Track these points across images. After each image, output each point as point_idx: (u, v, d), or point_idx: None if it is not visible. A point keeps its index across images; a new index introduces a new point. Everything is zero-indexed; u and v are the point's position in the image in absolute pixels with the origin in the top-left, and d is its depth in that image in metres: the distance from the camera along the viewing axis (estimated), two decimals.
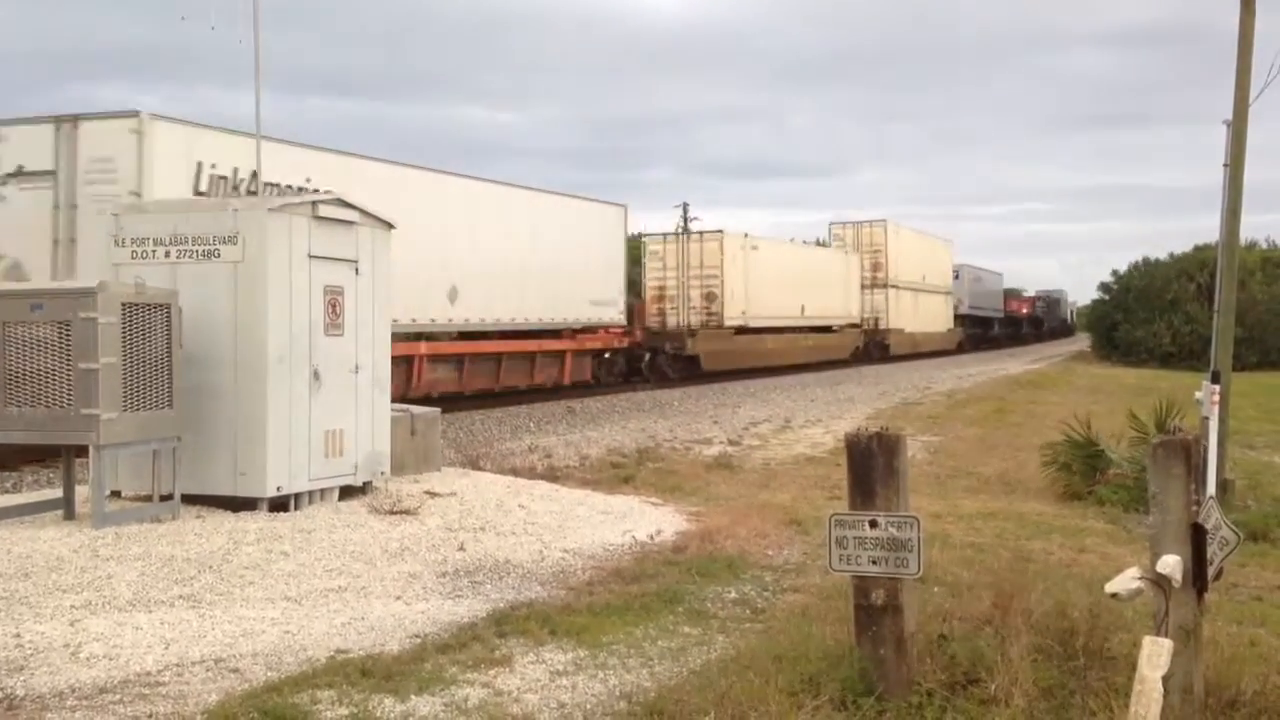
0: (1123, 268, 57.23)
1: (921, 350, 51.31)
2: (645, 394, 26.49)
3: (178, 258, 9.30)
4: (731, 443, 16.95)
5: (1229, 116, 11.57)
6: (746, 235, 35.92)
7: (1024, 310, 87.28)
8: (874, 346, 45.96)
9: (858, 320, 44.96)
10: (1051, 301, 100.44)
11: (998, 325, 74.87)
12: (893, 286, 47.44)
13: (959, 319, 60.81)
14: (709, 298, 33.68)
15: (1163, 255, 56.15)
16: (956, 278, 60.52)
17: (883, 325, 46.49)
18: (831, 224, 48.54)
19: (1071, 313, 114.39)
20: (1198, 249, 53.04)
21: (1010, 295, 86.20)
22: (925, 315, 52.73)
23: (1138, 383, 31.84)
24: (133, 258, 9.39)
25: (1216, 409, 10.90)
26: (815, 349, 40.83)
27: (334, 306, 9.75)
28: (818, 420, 20.96)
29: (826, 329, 42.26)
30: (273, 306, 9.14)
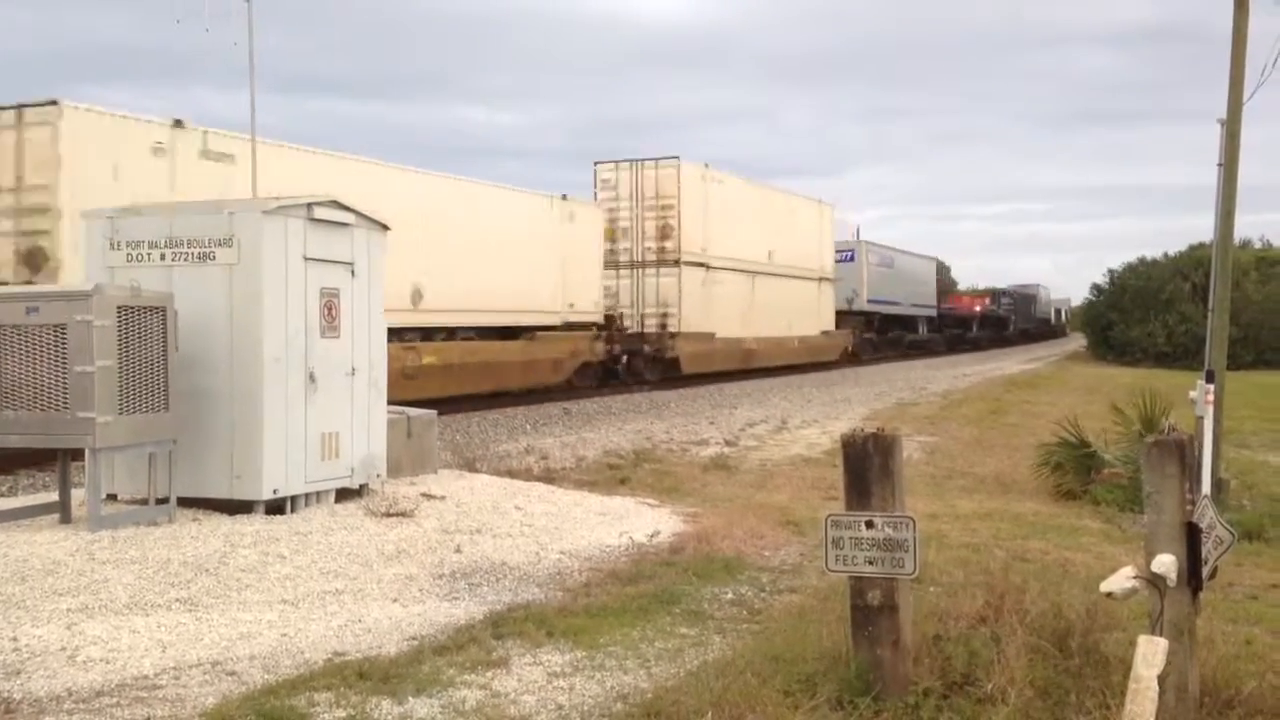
0: (1118, 267, 57.26)
1: (763, 364, 35.19)
2: (642, 395, 26.48)
3: (173, 260, 9.30)
4: (728, 444, 16.96)
5: (1223, 116, 11.61)
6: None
7: (976, 308, 73.64)
8: (643, 361, 29.64)
9: (595, 316, 27.30)
10: (1023, 298, 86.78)
11: (925, 326, 58.99)
12: (692, 264, 30.67)
13: (851, 317, 46.43)
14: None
15: (1158, 255, 56.27)
16: (848, 258, 46.24)
17: (671, 325, 29.90)
18: (597, 163, 30.42)
19: (1062, 312, 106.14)
20: (1192, 248, 53.14)
21: (949, 289, 74.41)
22: (776, 311, 35.65)
23: (1133, 382, 31.84)
24: (128, 261, 9.38)
25: (1211, 408, 10.93)
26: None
27: (329, 309, 9.75)
28: (814, 421, 20.98)
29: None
30: (268, 309, 9.14)
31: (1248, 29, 11.32)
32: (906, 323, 56.32)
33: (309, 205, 9.63)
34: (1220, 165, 11.71)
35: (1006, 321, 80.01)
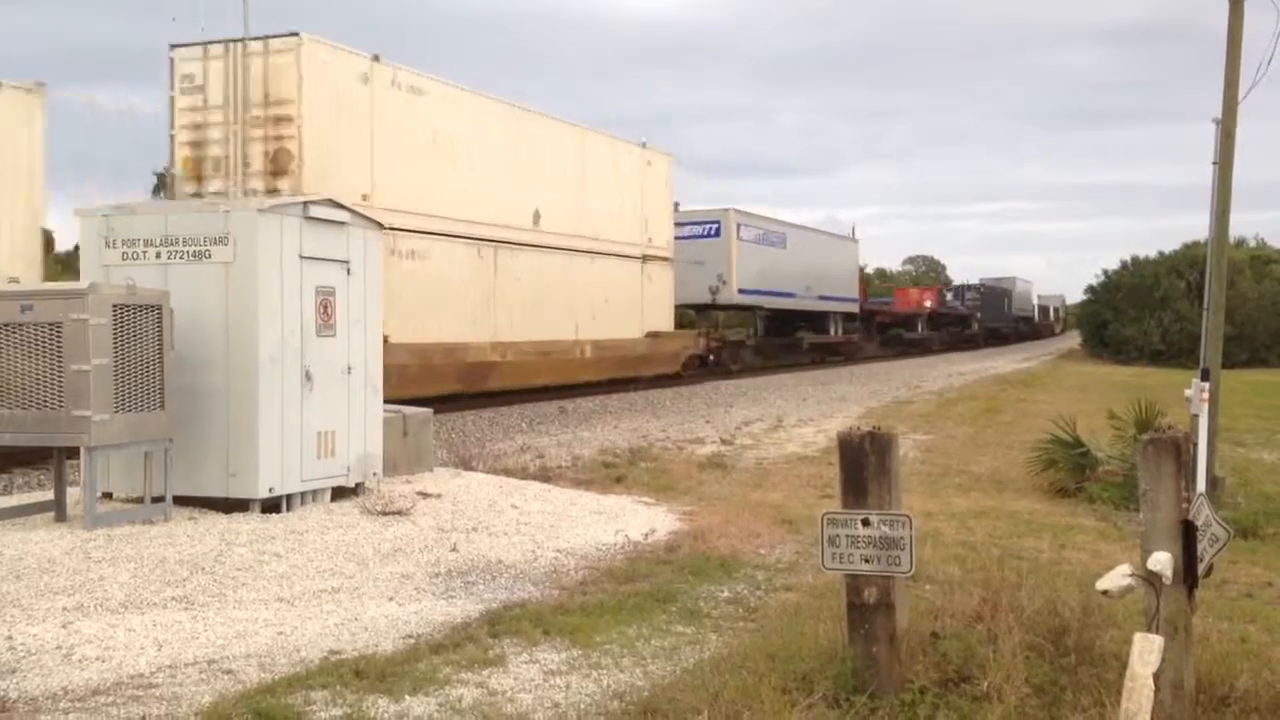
0: (1113, 267, 57.27)
1: (519, 384, 23.51)
2: (638, 394, 26.47)
3: (169, 259, 9.29)
4: (724, 442, 16.96)
5: (1218, 114, 11.62)
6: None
7: (925, 302, 62.56)
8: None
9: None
10: (993, 292, 75.41)
11: (839, 325, 46.15)
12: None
13: (714, 314, 37.52)
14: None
15: (1153, 253, 56.35)
16: (709, 233, 34.39)
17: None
18: (175, 47, 18.11)
19: (1050, 309, 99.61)
20: (1187, 247, 53.27)
21: (869, 281, 65.25)
22: (547, 303, 23.85)
23: (1127, 381, 31.93)
24: (124, 259, 9.37)
25: (1206, 406, 10.95)
26: None
27: (325, 307, 9.75)
28: (810, 419, 20.99)
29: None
30: (264, 307, 9.14)
31: (1242, 29, 11.34)
32: (812, 320, 43.99)
33: (305, 204, 9.63)
34: (1215, 164, 11.73)
35: (968, 320, 69.47)
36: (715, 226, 35.19)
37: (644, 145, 28.56)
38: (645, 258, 28.31)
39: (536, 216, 23.59)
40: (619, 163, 27.31)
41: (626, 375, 27.65)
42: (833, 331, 45.74)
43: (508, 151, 22.62)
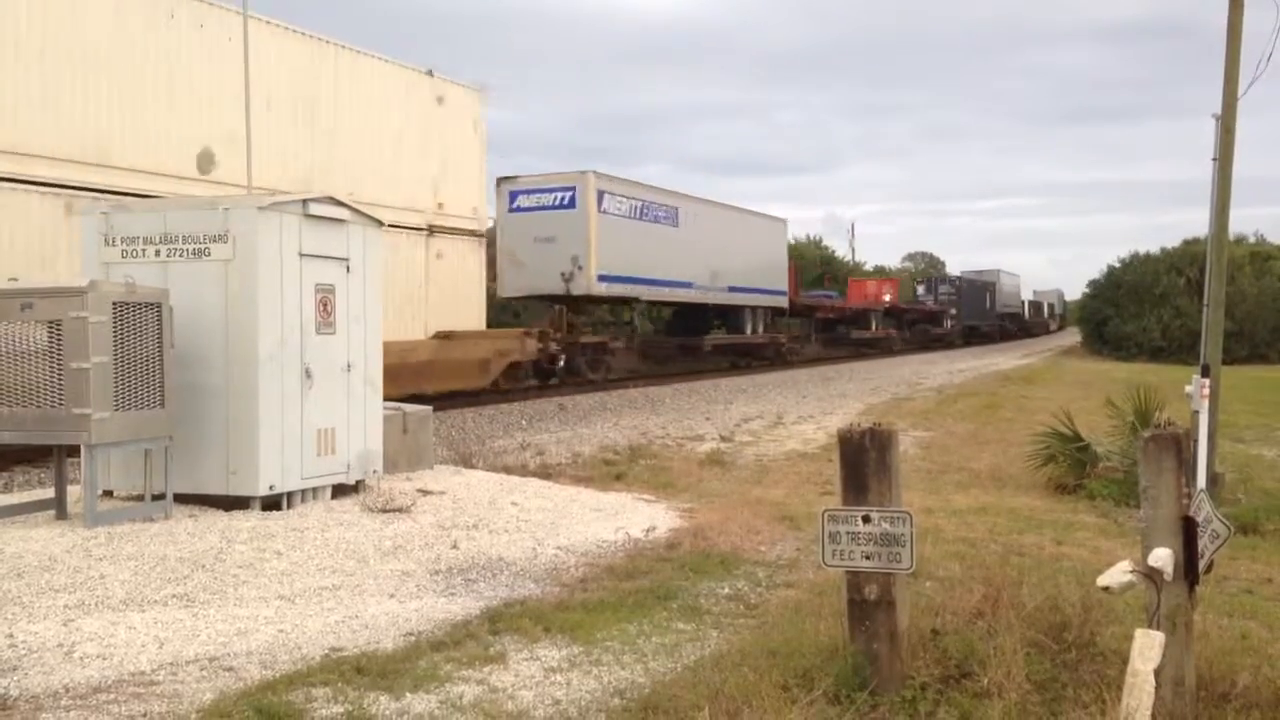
0: (1114, 262, 57.24)
1: None
2: (638, 390, 26.47)
3: (168, 256, 9.29)
4: (724, 439, 16.97)
5: (1218, 111, 11.61)
6: None
7: (885, 296, 55.51)
8: None
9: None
10: (972, 286, 68.96)
11: (761, 322, 37.64)
12: None
13: (587, 306, 29.22)
14: None
15: (1153, 249, 56.38)
16: (562, 203, 26.85)
17: None
18: None
19: (1044, 306, 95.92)
20: (1187, 243, 53.36)
21: (811, 273, 58.95)
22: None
23: (1128, 377, 31.91)
24: (123, 257, 9.38)
25: (1206, 402, 10.95)
26: None
27: (325, 305, 9.75)
28: (810, 416, 20.99)
29: None
30: (263, 305, 9.14)
31: (1242, 24, 11.33)
32: (725, 317, 36.27)
33: (304, 201, 9.63)
34: (1215, 160, 11.72)
35: (938, 317, 62.81)
36: (569, 194, 26.73)
37: (431, 74, 21.25)
38: (432, 229, 21.17)
39: (207, 160, 15.91)
40: (388, 94, 20.05)
41: (397, 395, 15.12)
42: (750, 330, 37.00)
43: (158, 61, 15.46)
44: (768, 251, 37.70)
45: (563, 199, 26.86)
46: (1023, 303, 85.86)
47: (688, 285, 31.92)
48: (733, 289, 34.63)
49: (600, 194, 27.14)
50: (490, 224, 25.79)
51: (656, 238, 29.80)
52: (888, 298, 55.58)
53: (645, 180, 30.77)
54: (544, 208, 26.87)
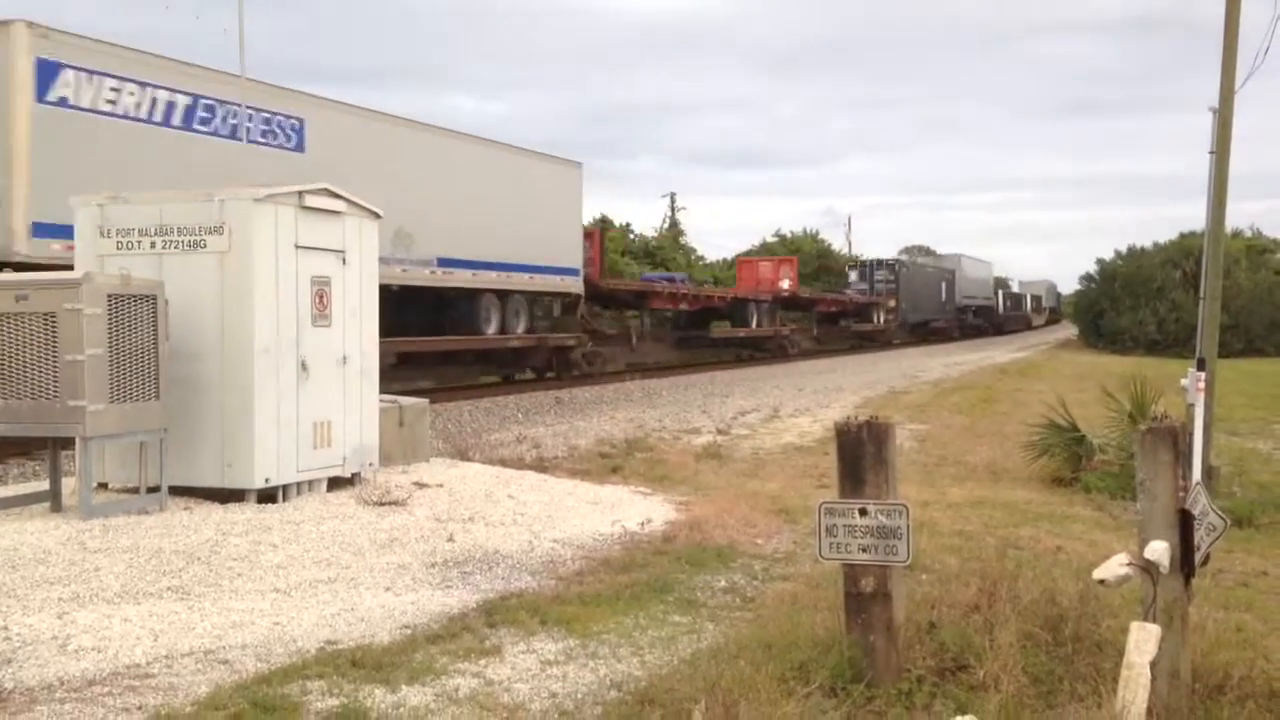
0: (1108, 256, 57.19)
1: None
2: (635, 384, 26.46)
3: (163, 248, 9.26)
4: (720, 432, 16.96)
5: (1215, 104, 11.61)
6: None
7: (782, 284, 41.38)
8: None
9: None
10: (922, 273, 59.03)
11: (510, 315, 23.61)
12: None
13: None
14: None
15: (1148, 243, 56.36)
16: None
17: None
18: None
19: (1027, 299, 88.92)
20: (1183, 236, 53.33)
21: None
22: None
23: (1124, 371, 31.91)
24: (118, 249, 9.34)
25: (1202, 396, 10.95)
26: None
27: (321, 297, 9.72)
28: (806, 409, 21.00)
29: None
30: (259, 297, 9.11)
31: (1239, 18, 11.32)
32: (448, 308, 22.34)
33: (300, 193, 9.60)
34: (1212, 153, 11.71)
35: (867, 310, 50.39)
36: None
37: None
38: None
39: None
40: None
41: None
42: (497, 328, 23.39)
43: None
44: (544, 209, 24.47)
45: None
46: (996, 294, 76.68)
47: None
48: (452, 263, 21.56)
49: (55, 68, 13.88)
50: None
51: (231, 166, 14.79)
52: (785, 284, 41.47)
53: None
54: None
